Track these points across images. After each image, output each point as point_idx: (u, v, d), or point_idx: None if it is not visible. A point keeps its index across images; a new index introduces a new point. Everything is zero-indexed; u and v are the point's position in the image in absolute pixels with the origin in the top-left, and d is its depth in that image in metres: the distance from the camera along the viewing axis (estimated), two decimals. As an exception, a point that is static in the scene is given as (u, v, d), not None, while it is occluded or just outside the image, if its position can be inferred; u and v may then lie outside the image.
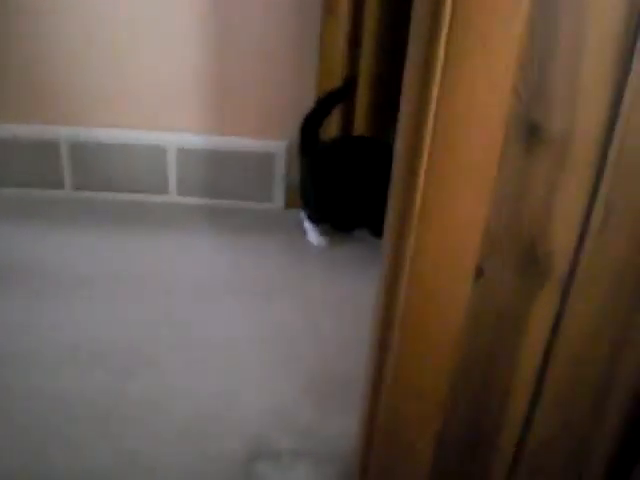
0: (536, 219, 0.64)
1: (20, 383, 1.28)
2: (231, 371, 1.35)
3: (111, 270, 1.69)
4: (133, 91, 1.93)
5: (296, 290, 1.66)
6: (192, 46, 1.87)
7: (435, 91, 0.59)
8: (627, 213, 0.63)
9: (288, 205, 2.04)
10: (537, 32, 0.57)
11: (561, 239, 0.65)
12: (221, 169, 2.00)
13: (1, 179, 2.00)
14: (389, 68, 1.78)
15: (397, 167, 0.68)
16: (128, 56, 1.88)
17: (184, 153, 1.98)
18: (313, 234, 1.87)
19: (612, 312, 0.68)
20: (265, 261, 1.78)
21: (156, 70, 1.90)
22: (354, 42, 1.78)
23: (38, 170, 2.00)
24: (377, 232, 1.68)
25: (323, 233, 1.87)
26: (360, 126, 1.85)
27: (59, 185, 2.02)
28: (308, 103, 1.79)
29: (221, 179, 2.02)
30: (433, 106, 0.59)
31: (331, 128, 1.85)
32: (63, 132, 1.96)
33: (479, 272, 0.67)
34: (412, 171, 0.63)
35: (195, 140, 1.97)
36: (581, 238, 0.65)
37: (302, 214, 1.88)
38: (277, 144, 1.97)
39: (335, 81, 1.82)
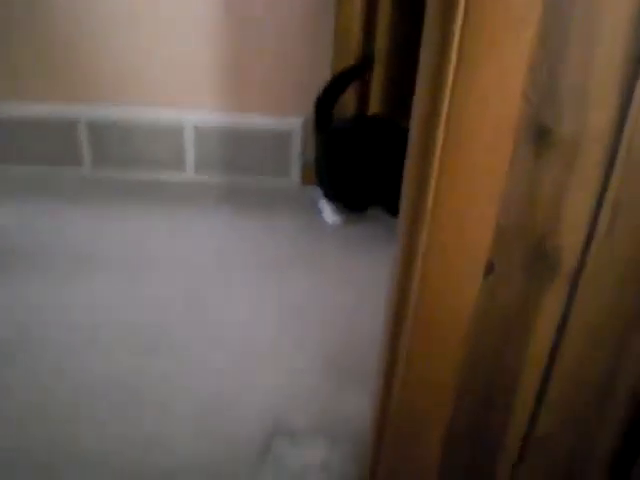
0: (545, 218, 0.66)
1: (40, 366, 1.32)
2: (247, 350, 1.38)
3: (129, 249, 1.72)
4: (151, 70, 1.94)
5: (312, 267, 1.68)
6: (209, 25, 1.87)
7: (447, 95, 0.60)
8: (634, 213, 0.64)
9: (304, 181, 2.06)
10: (547, 37, 0.57)
11: (569, 237, 0.66)
12: (238, 146, 2.02)
13: (21, 157, 2.03)
14: (404, 47, 1.78)
15: (410, 166, 0.69)
16: (146, 35, 1.89)
17: (201, 131, 2.00)
18: (328, 212, 1.89)
19: (618, 308, 0.70)
20: (281, 239, 1.80)
21: (173, 49, 1.91)
22: (369, 21, 1.77)
23: (57, 148, 2.02)
24: (393, 211, 1.70)
25: (338, 211, 1.88)
26: (375, 105, 1.85)
27: (78, 163, 2.05)
28: (324, 81, 1.80)
29: (238, 156, 2.04)
30: (445, 109, 0.61)
31: (346, 107, 1.85)
32: (81, 110, 1.98)
33: (489, 268, 0.69)
34: (424, 172, 0.65)
35: (212, 118, 1.99)
36: (589, 236, 0.66)
37: (317, 192, 1.90)
38: (293, 121, 1.98)
39: (350, 59, 1.83)
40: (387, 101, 1.84)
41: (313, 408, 1.23)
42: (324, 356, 1.36)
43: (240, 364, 1.34)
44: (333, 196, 1.86)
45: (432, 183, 0.64)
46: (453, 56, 0.59)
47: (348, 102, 1.86)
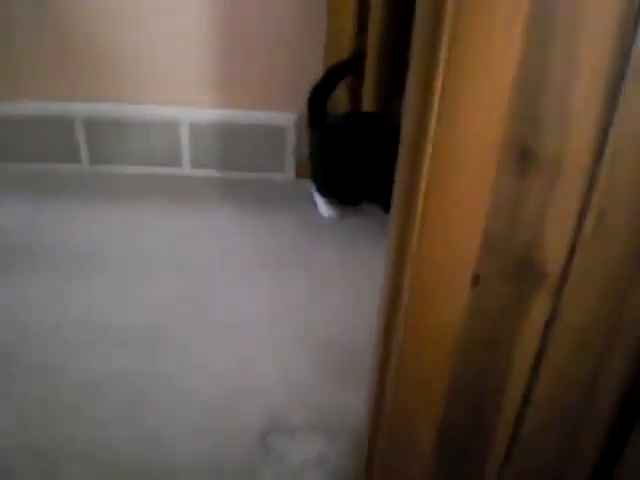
0: (529, 232, 0.69)
1: (43, 365, 1.35)
2: (246, 347, 1.41)
3: (128, 247, 1.75)
4: (147, 67, 1.96)
5: (309, 263, 1.71)
6: (203, 23, 1.89)
7: (433, 120, 0.63)
8: (613, 226, 0.67)
9: (299, 176, 2.08)
10: (529, 65, 0.60)
11: (553, 249, 0.70)
12: (233, 142, 2.04)
13: (19, 155, 2.05)
14: (396, 42, 1.79)
15: (399, 185, 0.72)
16: (142, 34, 1.91)
17: (197, 128, 2.02)
18: (323, 206, 1.92)
19: (601, 313, 0.74)
20: (279, 234, 1.83)
21: (168, 46, 1.92)
22: (361, 17, 1.79)
23: (54, 145, 2.04)
24: (385, 207, 1.73)
25: (333, 205, 1.91)
26: (367, 102, 1.88)
27: (75, 160, 2.07)
28: (316, 76, 1.82)
29: (233, 152, 2.06)
30: (431, 134, 0.63)
31: (339, 104, 1.88)
32: (78, 108, 2.00)
33: (476, 278, 0.72)
34: (413, 189, 0.68)
35: (207, 115, 2.01)
36: (572, 248, 0.69)
37: (312, 186, 1.92)
38: (287, 117, 2.00)
39: (343, 55, 1.85)
40: (379, 98, 1.86)
41: (312, 404, 1.26)
42: (321, 350, 1.40)
43: (238, 362, 1.37)
44: (327, 192, 1.89)
45: (420, 201, 0.67)
46: (438, 83, 0.62)
47: (341, 99, 1.88)
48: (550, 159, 0.64)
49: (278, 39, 1.91)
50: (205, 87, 1.99)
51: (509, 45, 0.59)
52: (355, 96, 1.89)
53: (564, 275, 0.71)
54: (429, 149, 0.65)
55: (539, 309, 0.74)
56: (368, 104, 1.88)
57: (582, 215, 0.67)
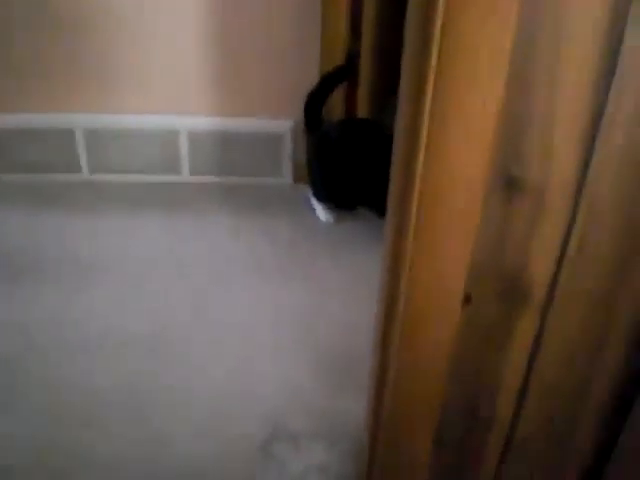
0: (516, 255, 0.72)
1: (49, 372, 1.38)
2: (246, 351, 1.44)
3: (128, 254, 1.78)
4: (145, 77, 1.98)
5: (308, 267, 1.74)
6: (199, 32, 1.91)
7: (421, 155, 0.66)
8: (596, 248, 0.71)
9: (297, 181, 2.11)
10: (513, 99, 0.63)
11: (539, 271, 0.73)
12: (231, 149, 2.07)
13: (21, 166, 2.08)
14: (390, 48, 1.81)
15: (390, 216, 0.75)
16: (141, 44, 1.94)
17: (195, 135, 2.05)
18: (321, 211, 1.95)
19: (586, 329, 0.77)
20: (277, 239, 1.86)
21: (166, 57, 1.95)
22: (356, 23, 1.81)
23: (55, 155, 2.07)
24: (380, 212, 1.76)
25: (330, 210, 1.94)
26: (362, 109, 1.90)
27: (76, 169, 2.10)
28: (312, 83, 1.85)
29: (231, 159, 2.09)
30: (420, 167, 0.67)
31: (335, 111, 1.90)
32: (78, 119, 2.03)
33: (467, 300, 0.75)
34: (403, 217, 0.71)
35: (205, 122, 2.04)
36: (557, 270, 0.73)
37: (309, 192, 1.95)
38: (283, 123, 2.03)
39: (337, 60, 1.88)
40: (374, 104, 1.89)
41: (312, 410, 1.29)
42: (320, 356, 1.42)
43: (239, 368, 1.40)
44: (324, 196, 1.92)
45: (411, 227, 0.71)
46: (425, 121, 0.65)
47: (336, 105, 1.91)
48: (534, 187, 0.67)
49: (274, 47, 1.94)
50: (203, 96, 2.02)
51: (493, 78, 0.63)
52: (350, 102, 1.92)
53: (549, 296, 0.74)
54: (417, 182, 0.68)
55: (528, 326, 0.77)
56: (363, 110, 1.90)
57: (566, 238, 0.70)
